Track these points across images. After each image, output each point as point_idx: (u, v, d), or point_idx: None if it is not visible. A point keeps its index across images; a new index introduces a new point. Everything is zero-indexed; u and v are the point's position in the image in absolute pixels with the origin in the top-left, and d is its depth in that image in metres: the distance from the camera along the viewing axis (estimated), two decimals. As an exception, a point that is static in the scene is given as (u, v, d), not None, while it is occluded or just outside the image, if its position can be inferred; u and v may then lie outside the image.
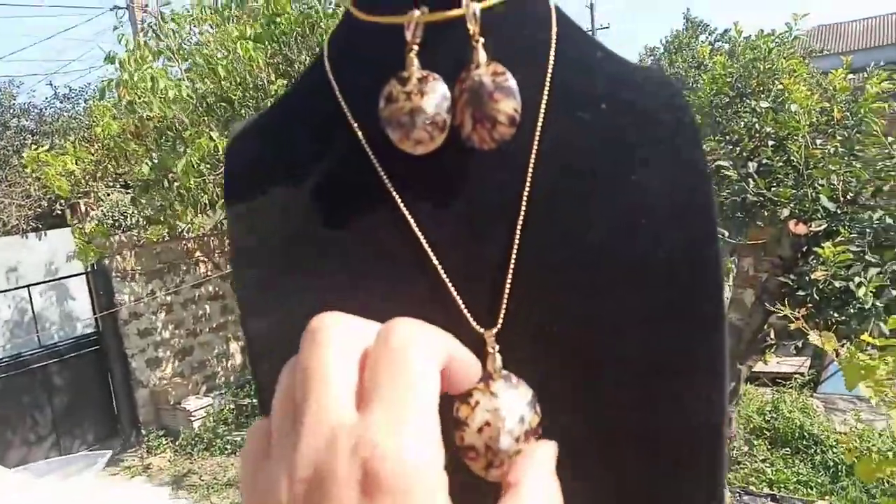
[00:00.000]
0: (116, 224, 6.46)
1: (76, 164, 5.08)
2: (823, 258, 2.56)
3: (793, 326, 2.15)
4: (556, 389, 0.37)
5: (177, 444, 5.72)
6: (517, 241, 0.39)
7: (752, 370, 4.27)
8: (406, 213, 0.40)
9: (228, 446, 5.43)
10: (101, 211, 6.44)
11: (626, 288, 0.39)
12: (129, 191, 5.93)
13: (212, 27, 4.88)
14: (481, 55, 0.38)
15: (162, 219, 5.36)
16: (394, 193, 0.40)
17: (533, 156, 0.40)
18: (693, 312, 0.39)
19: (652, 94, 0.42)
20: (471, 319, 0.38)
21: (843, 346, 1.78)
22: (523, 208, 0.39)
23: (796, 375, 5.42)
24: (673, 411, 0.39)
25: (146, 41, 4.84)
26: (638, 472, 0.39)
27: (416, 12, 0.38)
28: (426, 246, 0.39)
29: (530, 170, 0.40)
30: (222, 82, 4.66)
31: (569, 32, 0.43)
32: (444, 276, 0.39)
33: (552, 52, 0.42)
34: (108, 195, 6.41)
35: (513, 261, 0.39)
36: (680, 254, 0.39)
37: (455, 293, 0.39)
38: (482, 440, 0.33)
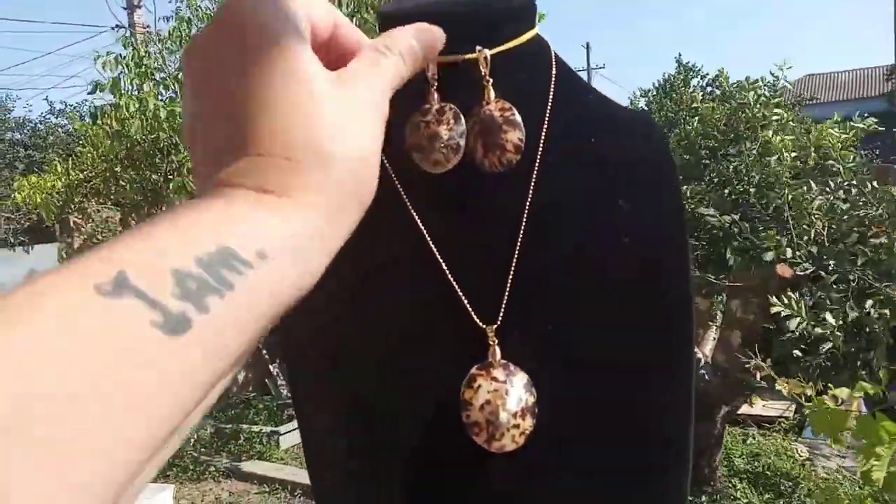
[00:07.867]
0: (106, 241, 6.43)
1: (64, 182, 5.08)
2: (792, 308, 2.56)
3: (759, 374, 2.18)
4: (547, 378, 0.43)
5: (154, 466, 5.63)
6: (517, 251, 0.45)
7: (738, 413, 4.29)
8: (419, 222, 0.45)
9: (207, 472, 5.35)
10: (91, 227, 6.42)
11: (610, 296, 0.45)
12: (119, 208, 5.94)
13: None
14: (491, 93, 0.44)
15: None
16: (409, 206, 0.46)
17: (533, 180, 0.46)
18: (664, 315, 0.46)
19: (634, 134, 0.50)
20: (474, 316, 0.44)
21: (816, 392, 1.80)
22: (524, 223, 0.45)
23: (781, 420, 5.44)
24: (649, 405, 0.45)
25: (135, 63, 4.85)
26: (616, 462, 0.45)
27: None
28: (435, 251, 0.45)
29: (530, 192, 0.46)
30: None
31: (566, 76, 0.50)
32: (450, 277, 0.45)
33: (551, 93, 0.48)
34: (98, 212, 6.40)
35: (513, 267, 0.45)
36: (653, 268, 0.46)
37: (460, 293, 0.44)
38: (484, 416, 0.40)
